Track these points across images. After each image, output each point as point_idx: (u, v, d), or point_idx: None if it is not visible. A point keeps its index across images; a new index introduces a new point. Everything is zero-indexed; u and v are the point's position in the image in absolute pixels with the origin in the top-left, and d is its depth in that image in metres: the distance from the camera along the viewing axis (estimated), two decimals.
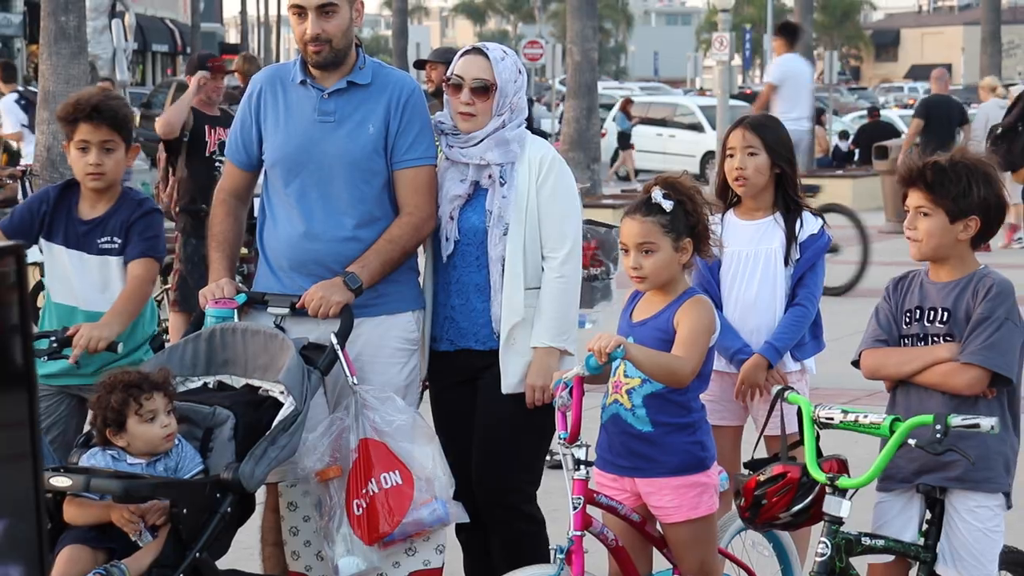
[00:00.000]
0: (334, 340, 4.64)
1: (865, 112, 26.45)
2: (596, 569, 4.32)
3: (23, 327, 1.88)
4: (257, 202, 5.15)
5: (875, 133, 22.92)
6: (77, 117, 4.91)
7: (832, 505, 4.05)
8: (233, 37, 78.40)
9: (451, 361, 4.91)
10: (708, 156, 29.35)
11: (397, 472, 4.59)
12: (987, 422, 3.88)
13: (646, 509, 4.36)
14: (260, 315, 4.86)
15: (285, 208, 4.88)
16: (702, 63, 63.39)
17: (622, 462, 4.33)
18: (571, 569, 4.06)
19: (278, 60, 55.46)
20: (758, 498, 4.18)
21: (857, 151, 25.85)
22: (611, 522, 4.33)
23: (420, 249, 5.00)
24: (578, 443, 4.13)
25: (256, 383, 4.67)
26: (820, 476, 4.06)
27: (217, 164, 9.23)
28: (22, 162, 14.16)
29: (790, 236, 5.12)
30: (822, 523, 4.11)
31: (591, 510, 4.19)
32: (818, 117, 25.77)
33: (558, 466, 4.57)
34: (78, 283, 4.99)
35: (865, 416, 4.12)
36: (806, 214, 5.18)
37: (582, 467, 4.12)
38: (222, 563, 4.41)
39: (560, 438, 4.14)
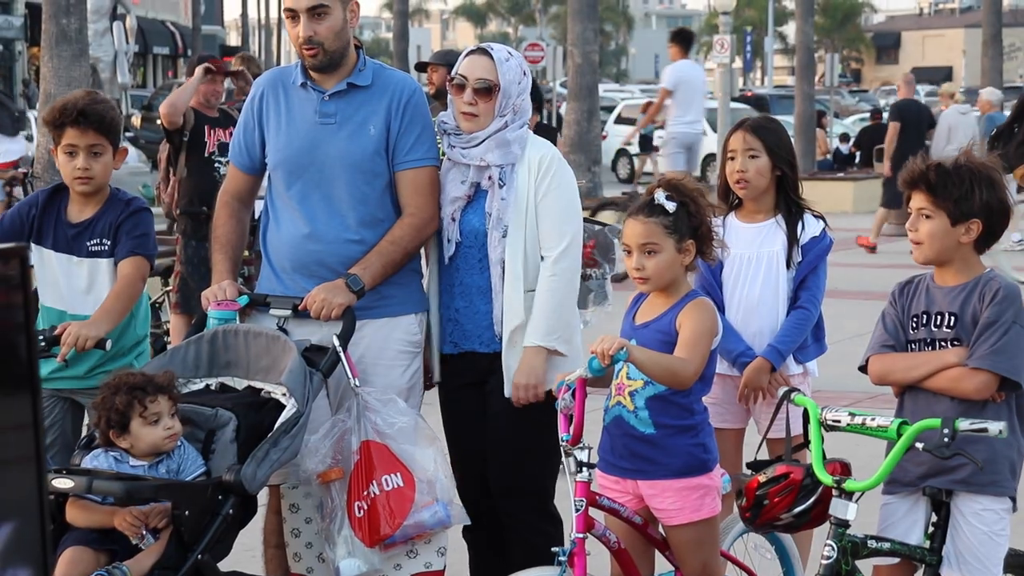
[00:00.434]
0: (336, 342, 4.64)
1: (868, 115, 26.43)
2: (598, 571, 4.32)
3: (27, 329, 1.88)
4: (260, 204, 5.15)
5: (876, 136, 22.88)
6: (64, 121, 4.92)
7: (838, 508, 4.05)
8: (234, 39, 78.39)
9: (456, 363, 4.91)
10: (709, 159, 29.35)
11: (398, 474, 4.59)
12: (995, 426, 3.88)
13: (648, 511, 4.36)
14: (262, 317, 4.86)
15: (288, 210, 4.89)
16: (703, 65, 63.39)
17: (624, 464, 4.33)
18: (573, 571, 4.06)
19: (279, 63, 55.50)
20: (760, 498, 4.18)
21: (858, 154, 25.84)
22: (613, 524, 4.33)
23: (422, 251, 5.01)
24: (580, 445, 4.13)
25: (258, 385, 4.67)
26: (827, 478, 4.06)
27: (216, 164, 9.24)
28: None
29: (792, 238, 5.12)
30: (827, 526, 4.12)
31: (593, 512, 4.19)
32: (819, 120, 25.78)
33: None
34: (67, 287, 4.99)
35: (872, 419, 4.11)
36: (808, 216, 5.17)
37: (584, 469, 4.12)
38: (224, 565, 4.40)
39: (562, 440, 4.14)
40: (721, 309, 5.01)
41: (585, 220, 7.13)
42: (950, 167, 4.19)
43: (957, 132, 16.91)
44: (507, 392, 4.75)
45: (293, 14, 4.80)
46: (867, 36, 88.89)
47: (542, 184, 4.77)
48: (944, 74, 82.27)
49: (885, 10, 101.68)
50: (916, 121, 17.22)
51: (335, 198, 4.82)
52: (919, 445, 3.98)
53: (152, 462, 4.38)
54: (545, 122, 7.70)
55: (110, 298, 4.89)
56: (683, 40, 14.17)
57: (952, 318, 4.21)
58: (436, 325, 4.93)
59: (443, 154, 5.00)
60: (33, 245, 5.00)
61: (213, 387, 4.73)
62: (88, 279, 4.99)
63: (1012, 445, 4.17)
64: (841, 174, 24.51)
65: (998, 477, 4.19)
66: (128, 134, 21.98)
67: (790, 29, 71.64)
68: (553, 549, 4.06)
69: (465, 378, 4.91)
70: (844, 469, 4.11)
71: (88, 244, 4.98)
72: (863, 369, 4.37)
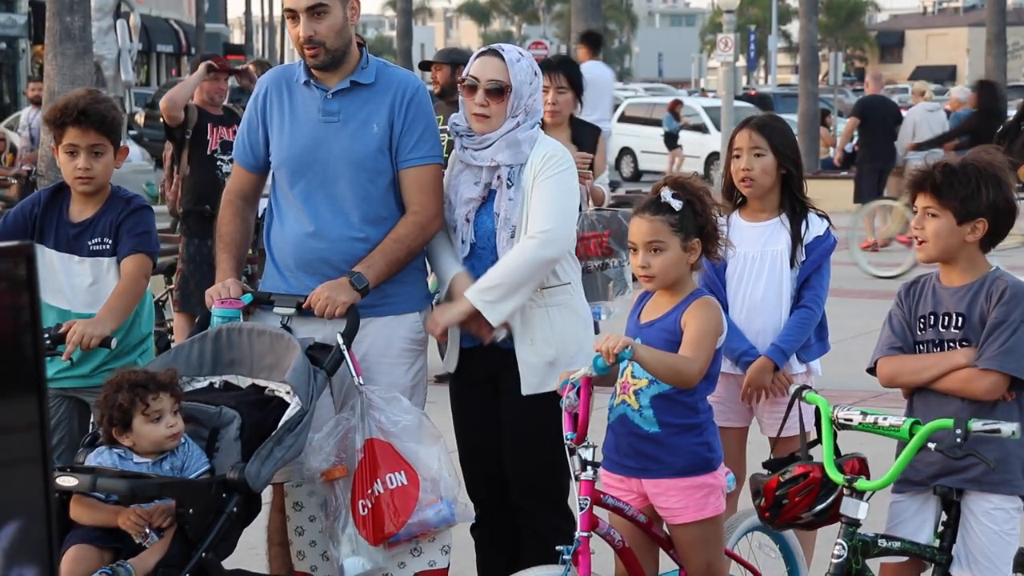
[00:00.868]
0: (340, 340, 4.64)
1: None
2: (602, 570, 4.32)
3: (34, 329, 1.88)
4: (264, 203, 5.16)
5: None
6: (65, 121, 4.91)
7: (849, 507, 4.05)
8: (237, 38, 78.46)
9: (472, 357, 4.91)
10: (713, 157, 29.35)
11: (403, 472, 4.59)
12: (1008, 427, 3.87)
13: (652, 510, 4.35)
14: (266, 315, 4.86)
15: (292, 208, 4.89)
16: (706, 64, 63.38)
17: (629, 463, 4.33)
18: (578, 570, 4.06)
19: (282, 61, 55.49)
20: (779, 498, 4.18)
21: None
22: (617, 523, 4.32)
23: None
24: (585, 444, 4.13)
25: (262, 383, 4.67)
26: (838, 477, 4.05)
27: (219, 162, 9.24)
28: None
29: (796, 238, 5.12)
30: (836, 524, 4.12)
31: (598, 511, 4.19)
32: (823, 118, 25.75)
33: None
34: (69, 286, 4.99)
35: (884, 418, 4.11)
36: (812, 215, 5.17)
37: (589, 468, 4.12)
38: (228, 563, 4.40)
39: (567, 439, 4.14)
40: (725, 308, 5.01)
41: (598, 209, 7.13)
42: (956, 166, 4.19)
43: (922, 128, 17.09)
44: (523, 389, 4.75)
45: (293, 14, 4.80)
46: (871, 35, 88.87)
47: (539, 176, 4.77)
48: (948, 73, 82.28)
49: (889, 9, 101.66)
50: (882, 117, 17.39)
51: (339, 196, 4.82)
52: (931, 445, 3.97)
53: (156, 460, 4.38)
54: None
55: (114, 296, 4.89)
56: (591, 42, 14.71)
57: (960, 319, 4.20)
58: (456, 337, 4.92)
59: (446, 154, 5.00)
60: (35, 245, 5.00)
61: (217, 385, 4.73)
62: (90, 278, 4.99)
63: (1022, 444, 4.16)
64: (845, 172, 24.50)
65: (1009, 476, 4.18)
66: (131, 132, 21.99)
67: (794, 28, 71.64)
68: (557, 548, 4.06)
69: (478, 375, 4.90)
70: (862, 465, 4.11)
71: (89, 243, 4.98)
72: (871, 371, 4.37)
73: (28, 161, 15.40)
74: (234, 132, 7.65)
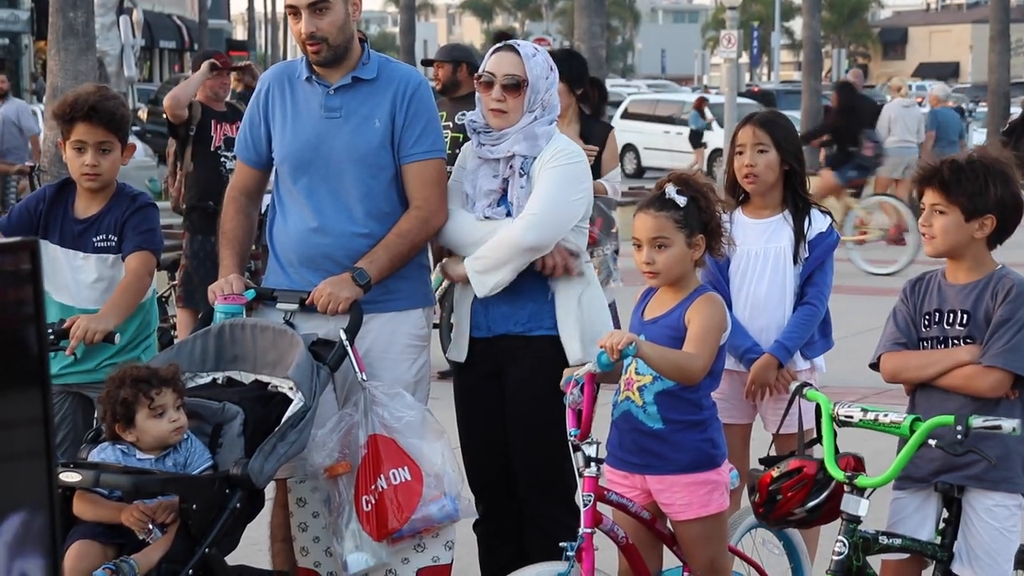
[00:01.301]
0: (343, 336, 4.64)
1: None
2: (606, 566, 4.31)
3: (38, 323, 1.88)
4: (268, 198, 5.15)
5: None
6: (74, 116, 4.91)
7: (850, 504, 4.04)
8: (240, 34, 78.41)
9: (478, 349, 4.90)
10: (715, 154, 29.34)
11: (406, 468, 4.59)
12: (1009, 423, 3.87)
13: (656, 506, 4.35)
14: (269, 311, 4.86)
15: (295, 204, 4.89)
16: (709, 61, 63.32)
17: (633, 459, 4.33)
18: (581, 566, 4.06)
19: (285, 57, 55.48)
20: (773, 493, 4.18)
21: None
22: (621, 519, 4.32)
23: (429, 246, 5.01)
24: (589, 440, 4.12)
25: (265, 379, 4.67)
26: (839, 474, 4.05)
27: (222, 159, 9.23)
28: None
29: (799, 234, 5.11)
30: (838, 521, 4.11)
31: (601, 507, 4.19)
32: (875, 115, 25.77)
33: None
34: (74, 283, 4.99)
35: (885, 415, 4.11)
36: (815, 212, 5.17)
37: (593, 464, 4.12)
38: (231, 559, 4.40)
39: (571, 435, 4.14)
40: (728, 305, 5.01)
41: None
42: (964, 163, 4.19)
43: (897, 124, 17.27)
44: (571, 359, 4.72)
45: (295, 10, 4.80)
46: (874, 31, 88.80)
47: (545, 166, 4.78)
48: (951, 70, 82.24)
49: (892, 5, 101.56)
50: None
51: (342, 192, 4.82)
52: (932, 442, 3.97)
53: (159, 455, 4.38)
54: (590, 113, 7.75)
55: (118, 292, 4.90)
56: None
57: (965, 316, 4.20)
58: (467, 308, 4.91)
59: (450, 151, 5.00)
60: (40, 240, 5.00)
61: (220, 381, 4.73)
62: (95, 275, 4.99)
63: None
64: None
65: (1010, 474, 4.18)
66: (134, 128, 21.99)
67: (797, 24, 71.61)
68: (561, 544, 4.06)
69: (484, 367, 4.89)
70: (858, 464, 4.10)
71: (94, 240, 4.98)
72: (874, 366, 4.36)
73: None
74: (237, 128, 7.65)
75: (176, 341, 5.06)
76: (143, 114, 22.44)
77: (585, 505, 4.10)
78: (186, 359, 4.70)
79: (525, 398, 4.80)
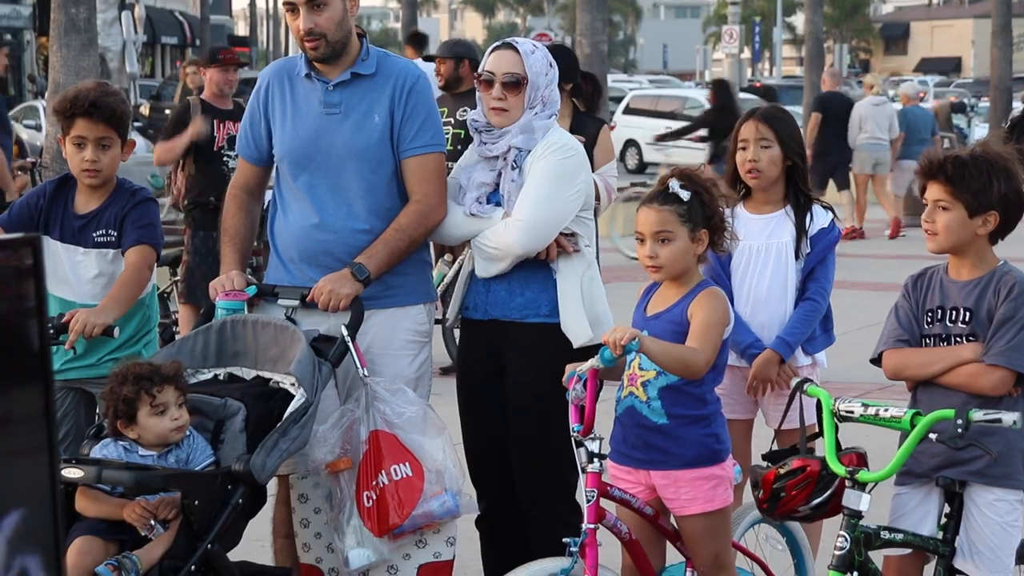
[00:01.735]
0: (345, 332, 4.64)
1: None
2: (609, 562, 4.31)
3: (39, 319, 1.88)
4: (270, 194, 5.15)
5: None
6: (74, 112, 4.91)
7: (851, 499, 4.04)
8: (242, 29, 78.40)
9: (478, 333, 4.90)
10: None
11: (407, 464, 4.59)
12: (1009, 417, 3.87)
13: (660, 502, 4.35)
14: (271, 307, 4.86)
15: (295, 201, 4.88)
16: (711, 56, 63.33)
17: (637, 455, 4.32)
18: (585, 562, 4.05)
19: (286, 53, 55.44)
20: (777, 491, 4.17)
21: None
22: (624, 515, 4.32)
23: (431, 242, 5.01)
24: (591, 436, 4.12)
25: (267, 375, 4.67)
26: (840, 469, 4.05)
27: (225, 159, 9.22)
28: None
29: (800, 229, 5.11)
30: (839, 516, 4.11)
31: (605, 503, 4.18)
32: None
33: None
34: (75, 278, 5.00)
35: (886, 410, 4.11)
36: (816, 207, 5.17)
37: (596, 460, 4.12)
38: (233, 555, 4.40)
39: (573, 431, 4.13)
40: (730, 300, 5.01)
41: None
42: (967, 158, 4.18)
43: (867, 122, 17.59)
44: (576, 343, 4.73)
45: (292, 7, 4.79)
46: (875, 27, 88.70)
47: (536, 160, 4.77)
48: (953, 65, 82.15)
49: (894, 0, 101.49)
50: (838, 113, 17.81)
51: (342, 187, 4.81)
52: (933, 436, 3.97)
53: (161, 452, 4.38)
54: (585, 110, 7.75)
55: (117, 286, 4.90)
56: (417, 42, 15.48)
57: (967, 313, 4.20)
58: (463, 286, 4.93)
59: (451, 147, 5.00)
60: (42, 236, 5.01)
61: (222, 377, 4.73)
62: (95, 270, 4.99)
63: None
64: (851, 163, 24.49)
65: (1012, 469, 4.18)
66: (136, 124, 22.00)
67: (799, 19, 71.53)
68: (564, 540, 4.06)
69: (482, 354, 4.89)
70: (860, 459, 4.10)
71: (94, 235, 4.99)
72: (876, 362, 4.36)
73: None
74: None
75: (178, 337, 5.06)
76: (145, 110, 22.47)
77: (588, 501, 4.09)
78: (188, 355, 4.70)
79: (525, 395, 4.80)
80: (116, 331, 4.77)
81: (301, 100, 4.88)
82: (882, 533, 4.18)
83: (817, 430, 4.26)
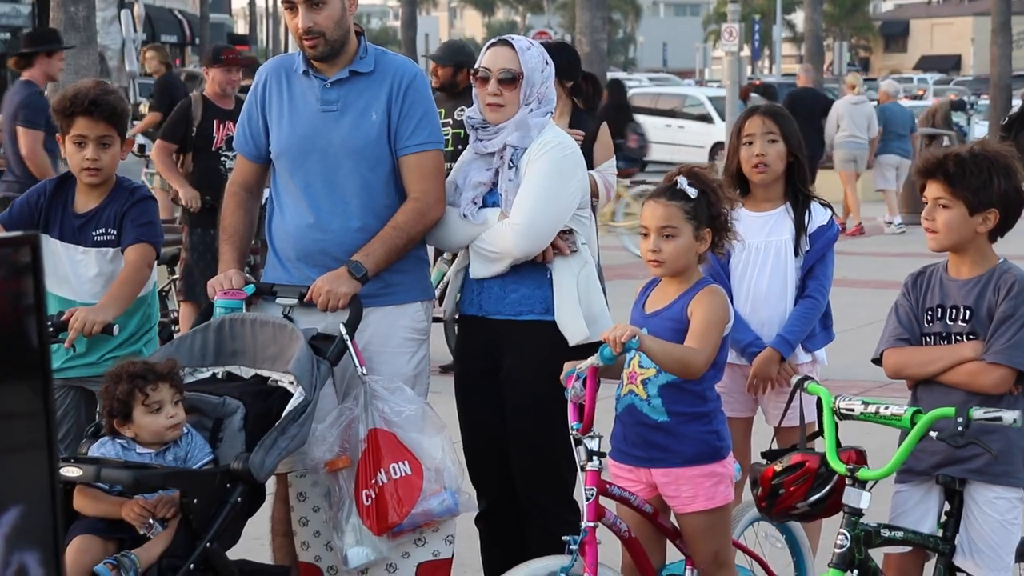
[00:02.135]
0: (343, 330, 4.63)
1: (875, 103, 26.45)
2: (608, 560, 4.31)
3: (39, 317, 1.88)
4: (267, 192, 5.15)
5: None
6: (74, 111, 4.91)
7: (852, 496, 4.04)
8: (242, 28, 78.36)
9: (475, 329, 4.90)
10: (717, 147, 29.32)
11: (406, 462, 4.58)
12: (1010, 415, 3.87)
13: (660, 500, 4.35)
14: (269, 306, 4.86)
15: (292, 199, 4.88)
16: (711, 54, 63.31)
17: (638, 452, 4.32)
18: (585, 560, 4.05)
19: (286, 51, 55.41)
20: (775, 487, 4.17)
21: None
22: (624, 513, 4.31)
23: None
24: (591, 434, 4.12)
25: (265, 373, 4.66)
26: (840, 467, 4.04)
27: (223, 159, 9.20)
28: None
29: (799, 227, 5.11)
30: (840, 515, 4.11)
31: (604, 501, 4.18)
32: (824, 110, 25.82)
33: None
34: (74, 277, 4.99)
35: (886, 408, 4.10)
36: (815, 205, 5.17)
37: (595, 458, 4.12)
38: (232, 553, 4.40)
39: (572, 429, 4.13)
40: (729, 298, 5.01)
41: None
42: (967, 156, 4.17)
43: (845, 120, 17.96)
44: (571, 341, 4.72)
45: (291, 5, 4.79)
46: (875, 24, 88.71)
47: (532, 160, 4.77)
48: (953, 62, 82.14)
49: None
50: (810, 109, 18.05)
51: (339, 186, 4.81)
52: (933, 434, 3.96)
53: (159, 450, 4.37)
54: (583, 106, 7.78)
55: (116, 284, 4.90)
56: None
57: (967, 312, 4.19)
58: (457, 284, 4.93)
59: (452, 148, 5.00)
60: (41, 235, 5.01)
61: (220, 376, 4.73)
62: (95, 268, 4.99)
63: None
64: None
65: (1012, 467, 4.18)
66: (135, 122, 21.99)
67: (798, 17, 71.52)
68: (564, 538, 4.06)
69: (479, 353, 4.89)
70: (859, 457, 4.10)
71: (94, 234, 4.99)
72: (877, 362, 4.36)
73: None
74: None
75: (176, 335, 5.06)
76: (144, 108, 22.43)
77: (588, 499, 4.09)
78: (186, 354, 4.70)
79: (522, 395, 4.79)
80: (116, 329, 4.77)
81: (298, 97, 4.88)
82: (882, 531, 4.18)
83: (817, 428, 4.26)
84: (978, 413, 3.90)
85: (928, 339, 4.27)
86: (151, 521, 4.26)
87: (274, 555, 5.05)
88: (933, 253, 4.30)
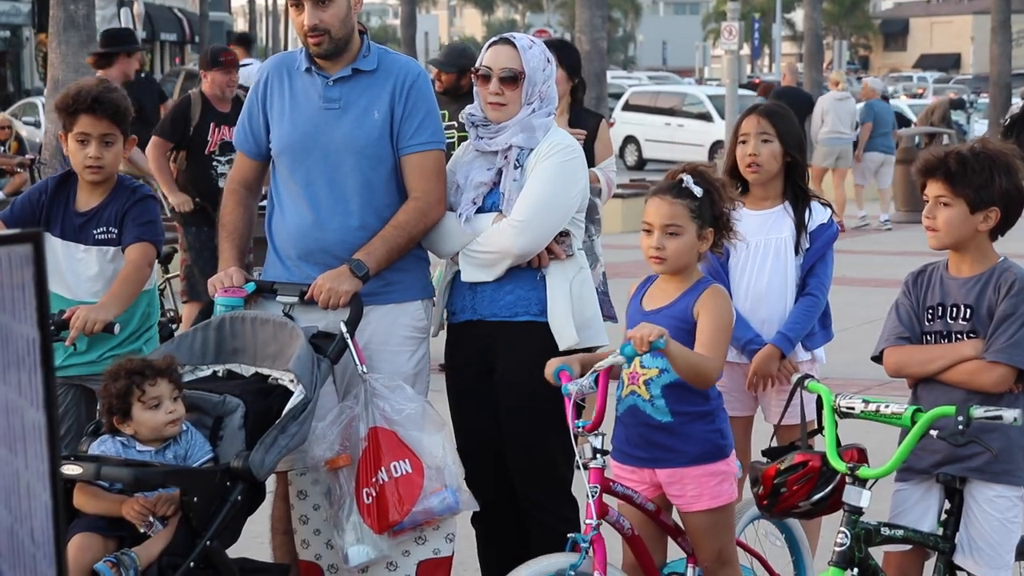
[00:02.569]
0: (344, 328, 4.63)
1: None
2: (610, 557, 4.31)
3: (42, 313, 1.88)
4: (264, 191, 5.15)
5: None
6: (77, 109, 4.90)
7: (852, 495, 4.04)
8: (241, 26, 78.37)
9: (469, 333, 4.90)
10: (717, 146, 29.33)
11: (407, 461, 4.58)
12: (1010, 414, 3.86)
13: (662, 498, 4.35)
14: (269, 304, 4.85)
15: (292, 197, 4.88)
16: (710, 52, 63.31)
17: (641, 453, 4.31)
18: (595, 558, 4.05)
19: (286, 49, 55.42)
20: (777, 486, 4.17)
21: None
22: (627, 511, 4.31)
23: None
24: (595, 432, 4.12)
25: (266, 371, 4.66)
26: (840, 466, 4.04)
27: (215, 163, 9.16)
28: None
29: (799, 225, 5.11)
30: (840, 513, 4.10)
31: (607, 499, 4.18)
32: (809, 108, 25.87)
33: None
34: (74, 275, 4.99)
35: (887, 406, 4.10)
36: (815, 203, 5.17)
37: (598, 456, 4.11)
38: (232, 552, 4.40)
39: (577, 427, 4.12)
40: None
41: None
42: (969, 154, 4.17)
43: (829, 116, 18.24)
44: (562, 346, 4.72)
45: (297, 2, 4.78)
46: (875, 23, 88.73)
47: (538, 165, 4.77)
48: (952, 61, 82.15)
49: None
50: (794, 109, 18.10)
51: (340, 184, 4.80)
52: (933, 433, 3.96)
53: (159, 448, 4.37)
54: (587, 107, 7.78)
55: (117, 283, 4.90)
56: (244, 43, 16.62)
57: (968, 310, 4.19)
58: (445, 293, 4.92)
59: (454, 149, 4.99)
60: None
61: (220, 374, 4.73)
62: (95, 267, 4.99)
63: None
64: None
65: (1012, 466, 4.18)
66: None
67: (798, 16, 71.54)
68: (570, 535, 4.06)
69: (474, 363, 4.89)
70: (861, 455, 4.10)
71: (95, 232, 4.98)
72: (877, 359, 4.35)
73: None
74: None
75: (177, 334, 5.06)
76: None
77: (592, 497, 4.09)
78: (186, 352, 4.70)
79: (516, 396, 4.78)
80: (116, 328, 4.77)
81: (300, 95, 4.87)
82: (882, 529, 4.18)
83: (817, 426, 4.26)
84: (978, 412, 3.89)
85: (929, 338, 4.27)
86: (151, 519, 4.26)
87: (274, 553, 5.05)
88: (933, 251, 4.30)
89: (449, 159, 4.99)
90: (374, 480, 4.56)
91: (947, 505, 4.28)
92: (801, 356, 5.14)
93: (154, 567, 4.18)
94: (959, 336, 4.21)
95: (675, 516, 4.44)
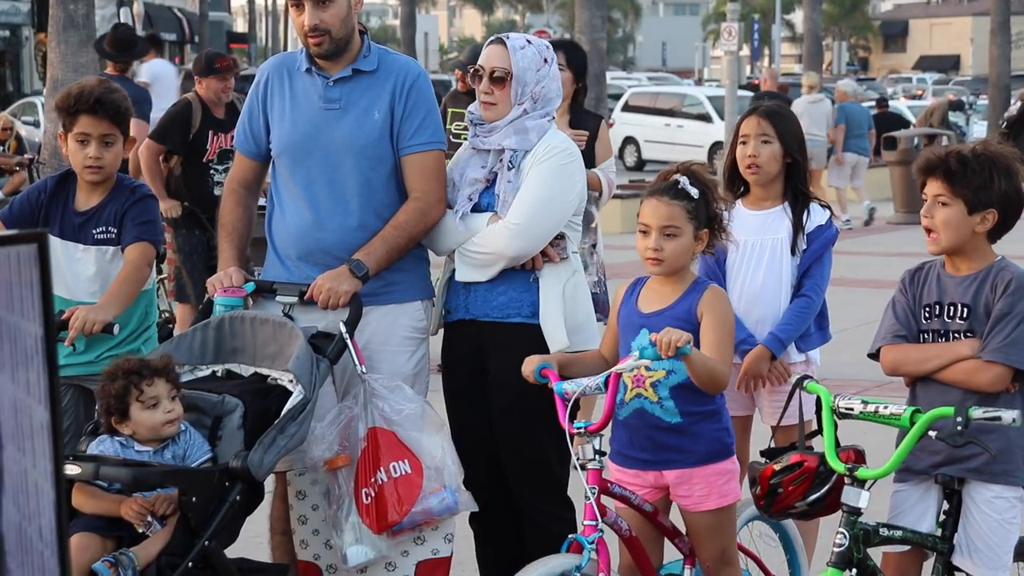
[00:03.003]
0: (343, 328, 4.63)
1: (874, 103, 26.57)
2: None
3: (46, 313, 1.88)
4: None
5: (884, 124, 22.94)
6: (78, 109, 4.90)
7: (851, 496, 4.04)
8: (241, 26, 78.34)
9: (461, 331, 4.90)
10: (716, 147, 29.33)
11: (406, 461, 4.58)
12: (1009, 415, 3.87)
13: (662, 500, 4.35)
14: (269, 303, 4.86)
15: (292, 197, 4.88)
16: (710, 53, 63.29)
17: (646, 456, 4.31)
18: (599, 560, 4.05)
19: (285, 50, 55.41)
20: (774, 487, 4.17)
21: None
22: (624, 512, 4.31)
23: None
24: (596, 433, 4.12)
25: (265, 371, 4.66)
26: (839, 466, 4.04)
27: (212, 171, 9.13)
28: None
29: (797, 226, 5.11)
30: (838, 514, 4.11)
31: (604, 500, 4.18)
32: None
33: None
34: (73, 275, 4.99)
35: (885, 407, 4.10)
36: (813, 205, 5.17)
37: (597, 457, 4.12)
38: (231, 552, 4.40)
39: (578, 428, 4.12)
40: None
41: None
42: (970, 155, 4.17)
43: (804, 118, 18.27)
44: (553, 348, 4.72)
45: (297, 2, 4.79)
46: (874, 24, 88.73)
47: (536, 164, 4.77)
48: (951, 62, 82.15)
49: None
50: None
51: (340, 184, 4.81)
52: (932, 433, 3.97)
53: (158, 448, 4.37)
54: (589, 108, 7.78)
55: (117, 283, 4.90)
56: (155, 43, 17.06)
57: (965, 309, 4.19)
58: (442, 293, 4.92)
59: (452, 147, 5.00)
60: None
61: (219, 374, 4.73)
62: (94, 267, 4.99)
63: None
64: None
65: (1011, 467, 4.18)
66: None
67: (798, 17, 71.54)
68: (571, 536, 4.06)
69: (464, 357, 4.89)
70: (858, 456, 4.10)
71: (94, 232, 4.98)
72: (874, 356, 4.36)
73: None
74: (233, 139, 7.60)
75: (175, 334, 5.06)
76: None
77: (590, 498, 4.09)
78: (185, 352, 4.70)
79: (508, 396, 4.78)
80: (116, 328, 4.77)
81: (300, 95, 4.88)
82: (881, 530, 4.18)
83: (815, 427, 4.26)
84: (977, 412, 3.90)
85: (925, 336, 4.27)
86: (150, 519, 4.26)
87: (273, 553, 5.05)
88: (930, 254, 4.31)
89: None
90: (373, 480, 4.56)
91: (946, 506, 4.29)
92: (795, 357, 5.13)
93: (152, 567, 4.18)
94: (956, 335, 4.21)
95: (672, 517, 4.44)
